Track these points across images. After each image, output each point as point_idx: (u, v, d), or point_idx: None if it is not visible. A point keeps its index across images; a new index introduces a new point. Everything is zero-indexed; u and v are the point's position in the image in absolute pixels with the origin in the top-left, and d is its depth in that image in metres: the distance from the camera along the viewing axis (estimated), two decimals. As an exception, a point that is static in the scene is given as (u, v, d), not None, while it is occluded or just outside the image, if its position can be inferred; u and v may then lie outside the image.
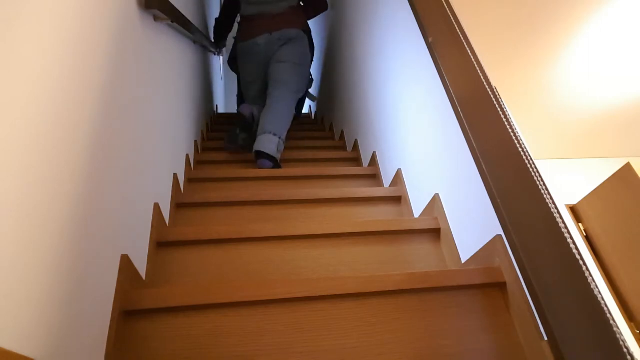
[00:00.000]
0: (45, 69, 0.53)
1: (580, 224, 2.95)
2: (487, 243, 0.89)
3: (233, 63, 2.54)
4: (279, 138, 1.89)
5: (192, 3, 2.08)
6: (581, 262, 0.72)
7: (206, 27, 2.77)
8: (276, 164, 1.85)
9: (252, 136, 1.99)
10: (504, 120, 0.92)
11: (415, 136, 1.33)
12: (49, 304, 0.51)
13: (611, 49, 2.56)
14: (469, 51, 1.05)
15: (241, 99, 2.64)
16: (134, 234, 0.88)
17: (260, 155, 1.84)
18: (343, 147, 2.37)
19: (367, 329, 0.79)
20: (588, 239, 2.86)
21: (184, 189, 1.52)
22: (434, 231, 1.15)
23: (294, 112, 2.09)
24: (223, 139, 2.45)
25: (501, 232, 0.84)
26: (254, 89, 2.30)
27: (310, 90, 2.53)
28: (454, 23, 1.12)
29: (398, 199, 1.43)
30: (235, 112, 2.69)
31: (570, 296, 0.69)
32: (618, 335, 0.65)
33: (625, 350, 0.64)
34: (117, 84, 0.82)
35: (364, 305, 0.82)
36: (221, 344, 0.75)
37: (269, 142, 1.84)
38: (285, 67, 2.13)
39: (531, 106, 3.02)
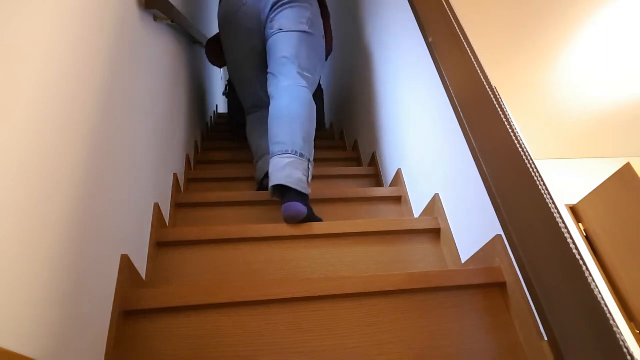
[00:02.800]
0: (45, 68, 0.53)
1: (580, 224, 2.95)
2: (487, 243, 0.89)
3: (213, 50, 1.80)
4: (308, 160, 1.20)
5: (191, 2, 2.08)
6: (581, 262, 0.72)
7: (205, 25, 2.77)
8: (308, 206, 1.14)
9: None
10: (504, 120, 0.92)
11: (415, 136, 1.33)
12: (49, 304, 0.51)
13: (611, 49, 2.56)
14: (469, 51, 1.05)
15: (237, 115, 1.86)
16: (134, 234, 0.88)
17: (284, 193, 1.13)
18: (343, 147, 2.37)
19: (367, 329, 0.79)
20: (588, 239, 2.86)
21: (184, 189, 1.52)
22: (434, 231, 1.15)
23: (315, 107, 1.33)
24: (223, 139, 2.45)
25: (501, 232, 0.84)
26: (249, 80, 1.54)
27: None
28: (454, 23, 1.12)
29: (398, 199, 1.43)
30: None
31: (570, 296, 0.69)
32: (618, 335, 0.65)
33: (625, 350, 0.64)
34: (116, 84, 0.82)
35: (364, 305, 0.82)
36: (221, 344, 0.75)
37: (290, 167, 1.14)
38: (290, 38, 1.41)
39: (531, 106, 3.02)
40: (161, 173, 1.18)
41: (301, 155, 1.18)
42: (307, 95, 1.33)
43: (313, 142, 1.26)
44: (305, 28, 1.44)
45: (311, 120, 1.28)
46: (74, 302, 0.58)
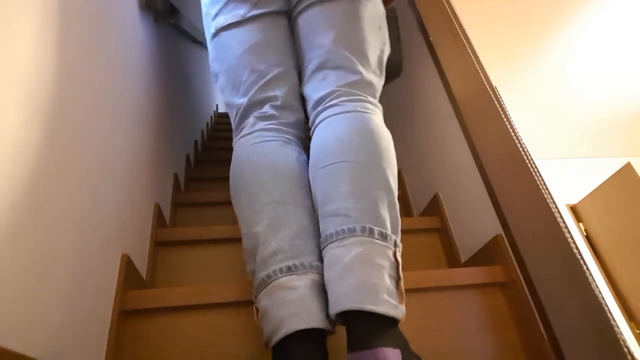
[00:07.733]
0: (45, 68, 0.53)
1: (580, 224, 2.95)
2: (487, 243, 0.89)
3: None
4: (395, 243, 0.63)
5: (191, 2, 2.07)
6: (581, 262, 0.72)
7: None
8: (402, 345, 0.54)
9: None
10: (504, 119, 0.92)
11: (415, 136, 1.33)
12: (49, 304, 0.51)
13: (612, 48, 2.56)
14: (469, 51, 1.05)
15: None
16: (134, 234, 0.88)
17: (354, 320, 0.56)
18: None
19: (367, 329, 0.78)
20: (588, 239, 2.86)
21: (184, 188, 1.52)
22: (434, 231, 1.15)
23: (389, 134, 0.73)
24: (223, 139, 2.45)
25: (501, 232, 0.84)
26: (252, 51, 0.78)
27: None
28: (455, 23, 1.12)
29: (398, 199, 1.43)
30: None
31: (570, 296, 0.69)
32: (618, 335, 0.65)
33: (625, 350, 0.64)
34: (116, 84, 0.82)
35: (364, 305, 0.81)
36: (221, 343, 0.75)
37: (361, 266, 0.58)
38: (334, 16, 0.76)
39: (532, 106, 3.02)
40: (161, 173, 1.18)
41: (381, 235, 0.61)
42: (372, 119, 0.71)
43: (397, 203, 0.70)
44: None
45: (388, 159, 0.70)
46: (74, 302, 0.58)
